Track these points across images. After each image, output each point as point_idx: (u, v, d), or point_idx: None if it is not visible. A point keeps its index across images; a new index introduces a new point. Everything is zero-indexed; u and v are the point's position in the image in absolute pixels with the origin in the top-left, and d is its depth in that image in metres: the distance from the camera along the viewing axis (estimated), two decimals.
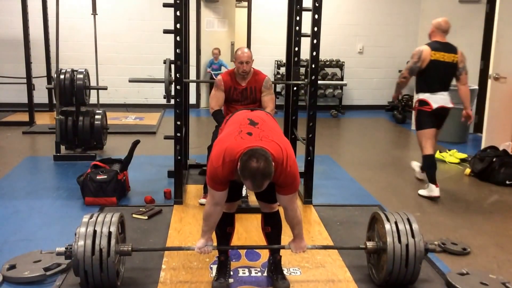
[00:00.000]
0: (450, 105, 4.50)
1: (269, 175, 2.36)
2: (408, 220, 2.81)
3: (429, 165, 4.53)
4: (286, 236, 2.93)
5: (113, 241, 2.61)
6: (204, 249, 2.70)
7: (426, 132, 4.51)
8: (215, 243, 2.83)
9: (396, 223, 2.77)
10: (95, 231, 2.62)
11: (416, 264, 2.74)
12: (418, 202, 4.46)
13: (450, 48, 4.63)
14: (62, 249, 2.66)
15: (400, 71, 8.87)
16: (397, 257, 2.70)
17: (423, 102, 4.49)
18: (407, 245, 2.71)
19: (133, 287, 2.84)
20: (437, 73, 4.50)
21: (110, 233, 2.62)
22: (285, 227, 2.86)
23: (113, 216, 2.74)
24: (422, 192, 4.59)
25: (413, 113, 5.07)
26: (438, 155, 5.86)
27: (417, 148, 6.81)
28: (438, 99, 4.44)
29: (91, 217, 2.72)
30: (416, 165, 5.14)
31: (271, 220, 2.85)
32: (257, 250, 3.26)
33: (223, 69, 8.41)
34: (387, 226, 2.76)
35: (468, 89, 4.59)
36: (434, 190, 4.46)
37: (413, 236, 2.73)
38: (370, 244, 2.89)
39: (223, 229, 2.84)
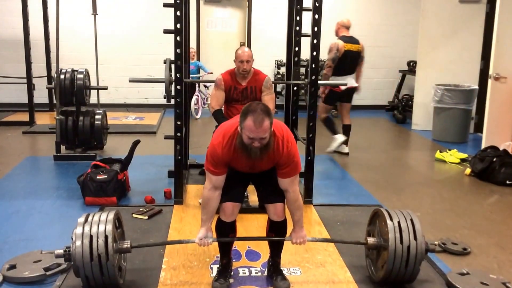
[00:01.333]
0: (355, 84, 5.92)
1: (268, 114, 2.44)
2: (412, 220, 2.79)
3: (329, 121, 6.07)
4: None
5: (110, 244, 2.58)
6: (204, 240, 2.69)
7: (329, 107, 6.17)
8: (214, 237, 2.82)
9: (399, 223, 2.76)
10: (91, 236, 2.58)
11: (416, 265, 2.74)
12: (419, 203, 4.46)
13: (355, 41, 5.91)
14: (61, 251, 2.65)
15: (400, 71, 8.93)
16: (397, 257, 2.69)
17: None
18: (408, 247, 2.70)
19: None
20: (347, 60, 5.76)
21: (106, 236, 2.58)
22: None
23: (108, 215, 2.70)
24: (331, 148, 5.92)
25: (323, 89, 6.06)
26: (438, 155, 5.87)
27: (417, 148, 6.84)
28: (348, 81, 5.55)
29: (86, 219, 2.67)
30: (338, 137, 6.05)
31: (277, 228, 2.83)
32: (257, 250, 3.26)
33: (202, 72, 8.33)
34: (390, 224, 2.74)
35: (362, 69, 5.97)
36: (338, 138, 5.95)
37: (415, 238, 2.72)
38: (371, 240, 2.87)
39: (225, 236, 2.83)
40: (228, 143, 2.58)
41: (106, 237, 2.59)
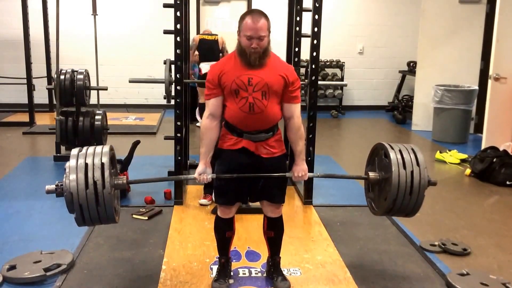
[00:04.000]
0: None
1: (266, 16, 2.53)
2: (413, 149, 2.73)
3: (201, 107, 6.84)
4: (286, 236, 2.93)
5: (106, 173, 2.40)
6: (203, 176, 2.64)
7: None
8: (214, 240, 2.82)
9: (400, 151, 2.69)
10: (86, 164, 2.41)
11: (420, 192, 2.66)
12: None
13: (210, 34, 7.24)
14: (52, 186, 2.49)
15: (400, 71, 8.93)
16: (402, 184, 2.62)
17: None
18: (412, 172, 2.63)
19: None
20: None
21: (102, 164, 2.41)
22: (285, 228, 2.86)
23: (103, 147, 2.55)
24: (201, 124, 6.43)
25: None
26: (438, 155, 5.87)
27: (418, 148, 6.82)
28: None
29: (80, 150, 2.52)
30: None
31: (275, 225, 2.83)
32: (257, 250, 3.26)
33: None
34: (392, 153, 2.68)
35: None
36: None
37: (418, 164, 2.66)
38: (372, 174, 2.81)
39: (222, 234, 2.83)
40: (225, 61, 2.65)
41: (102, 164, 2.43)
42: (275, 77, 2.57)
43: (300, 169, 2.74)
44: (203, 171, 2.65)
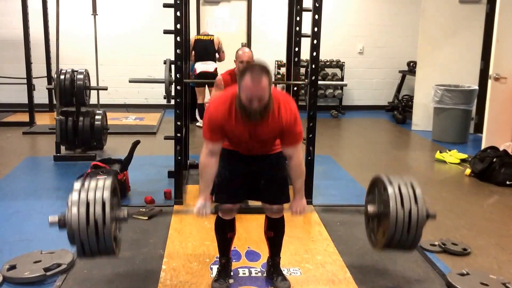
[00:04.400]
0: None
1: (267, 72, 2.42)
2: (412, 185, 2.70)
3: (200, 107, 7.26)
4: (286, 235, 2.93)
5: (107, 209, 2.44)
6: (202, 210, 2.64)
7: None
8: (213, 240, 2.82)
9: (399, 188, 2.67)
10: (88, 201, 2.45)
11: (418, 230, 2.66)
12: None
13: (207, 34, 7.36)
14: (56, 218, 2.51)
15: (400, 71, 8.93)
16: (399, 223, 2.62)
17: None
18: (410, 211, 2.62)
19: None
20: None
21: (104, 202, 2.45)
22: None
23: (105, 181, 2.57)
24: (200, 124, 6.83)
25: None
26: (438, 155, 5.87)
27: (417, 148, 6.84)
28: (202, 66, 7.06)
29: (82, 184, 2.55)
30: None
31: (275, 226, 2.83)
32: (257, 250, 3.26)
33: None
34: (390, 189, 2.66)
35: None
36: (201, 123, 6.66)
37: (416, 202, 2.65)
38: (371, 208, 2.80)
39: (224, 235, 2.83)
40: (226, 106, 2.53)
41: (103, 203, 2.46)
42: (275, 130, 2.58)
43: (299, 205, 2.74)
44: (202, 206, 2.65)
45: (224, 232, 2.82)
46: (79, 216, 2.43)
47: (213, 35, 7.31)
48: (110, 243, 2.48)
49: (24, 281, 2.86)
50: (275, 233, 2.84)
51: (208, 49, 7.19)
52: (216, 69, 7.13)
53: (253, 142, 2.63)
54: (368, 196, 2.94)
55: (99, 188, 2.52)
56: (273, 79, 2.51)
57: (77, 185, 2.55)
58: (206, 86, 7.31)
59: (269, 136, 2.62)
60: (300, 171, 2.69)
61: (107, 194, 2.48)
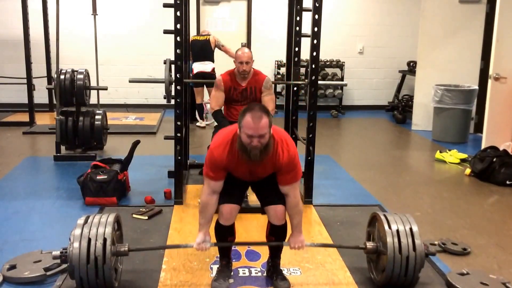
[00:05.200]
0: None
1: (267, 112, 2.47)
2: (411, 229, 2.76)
3: (199, 107, 7.43)
4: (287, 236, 2.93)
5: (108, 247, 2.56)
6: (202, 245, 2.69)
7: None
8: (213, 240, 2.82)
9: (397, 231, 2.73)
10: (89, 238, 2.56)
11: (415, 273, 2.74)
12: (419, 203, 4.46)
13: (202, 34, 7.40)
14: (58, 252, 2.63)
15: (400, 71, 8.93)
16: (396, 267, 2.70)
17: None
18: (407, 257, 2.70)
19: None
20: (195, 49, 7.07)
21: (105, 239, 2.57)
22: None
23: (108, 217, 2.69)
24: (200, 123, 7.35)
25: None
26: (438, 155, 5.87)
27: (417, 148, 6.84)
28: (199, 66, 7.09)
29: (86, 221, 2.66)
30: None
31: (277, 232, 2.83)
32: (257, 250, 3.26)
33: None
34: (388, 232, 2.73)
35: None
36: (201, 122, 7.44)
37: (414, 249, 2.71)
38: (370, 245, 2.87)
39: (224, 239, 2.84)
40: (227, 148, 2.58)
41: (104, 240, 2.56)
42: (273, 169, 2.64)
43: (297, 241, 2.77)
44: (202, 240, 2.70)
45: (224, 237, 2.83)
46: (80, 254, 2.54)
47: (209, 35, 7.24)
48: (108, 276, 2.58)
49: (24, 281, 2.86)
50: (276, 239, 2.84)
51: (205, 49, 7.12)
52: (213, 69, 7.10)
53: (253, 177, 2.72)
54: (368, 227, 3.02)
55: (102, 223, 2.63)
56: (272, 120, 2.53)
57: (80, 221, 2.67)
58: (205, 86, 7.31)
59: (268, 174, 2.69)
60: (298, 210, 2.72)
61: (108, 233, 2.59)
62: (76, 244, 2.55)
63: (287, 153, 2.59)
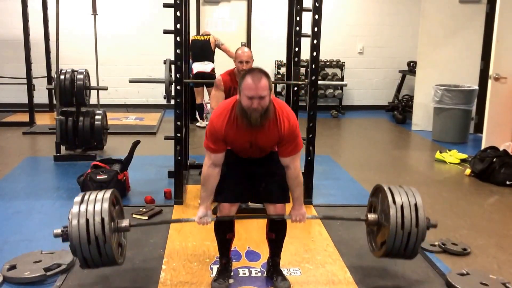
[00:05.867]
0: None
1: (267, 75, 2.50)
2: (416, 205, 2.71)
3: (199, 107, 7.40)
4: (286, 236, 2.93)
5: (107, 225, 2.50)
6: (203, 219, 2.69)
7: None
8: (213, 240, 2.82)
9: (402, 207, 2.68)
10: (87, 218, 2.50)
11: (415, 248, 2.71)
12: None
13: (203, 34, 7.40)
14: (59, 230, 2.58)
15: (400, 71, 8.93)
16: (397, 242, 2.66)
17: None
18: (409, 233, 2.65)
19: None
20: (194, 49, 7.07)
21: (103, 218, 2.51)
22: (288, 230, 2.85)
23: (104, 194, 2.63)
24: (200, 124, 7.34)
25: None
26: (438, 155, 5.87)
27: (417, 148, 6.84)
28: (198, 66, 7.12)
29: (82, 198, 2.60)
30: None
31: (277, 227, 2.83)
32: (257, 250, 3.26)
33: None
34: (392, 208, 2.67)
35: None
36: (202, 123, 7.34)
37: (417, 226, 2.67)
38: (371, 217, 2.83)
39: (223, 235, 2.84)
40: (227, 116, 2.59)
41: (102, 219, 2.51)
42: (275, 138, 2.62)
43: (298, 214, 2.76)
44: (203, 215, 2.70)
45: (223, 233, 2.83)
46: (80, 230, 2.49)
47: (209, 35, 7.26)
48: (111, 255, 2.55)
49: (24, 281, 2.86)
50: (276, 235, 2.84)
51: (205, 49, 7.13)
52: (213, 69, 7.12)
53: (253, 150, 2.68)
54: (371, 197, 2.96)
55: (98, 200, 2.58)
56: (272, 84, 2.54)
57: (77, 198, 2.62)
58: (205, 86, 7.31)
59: (268, 145, 2.67)
60: (298, 181, 2.72)
61: (105, 214, 2.54)
62: (75, 223, 2.50)
63: (287, 122, 2.59)
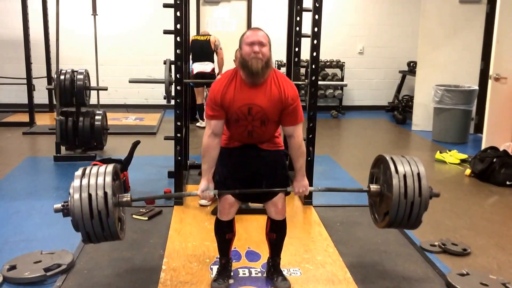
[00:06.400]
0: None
1: (266, 33, 2.58)
2: (418, 175, 2.67)
3: (199, 108, 7.36)
4: (286, 236, 2.93)
5: (110, 199, 2.45)
6: (205, 193, 2.67)
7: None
8: (213, 240, 2.82)
9: (404, 176, 2.65)
10: (89, 193, 2.45)
11: (418, 217, 2.68)
12: None
13: (203, 34, 7.31)
14: (59, 205, 2.54)
15: (400, 71, 8.93)
16: (400, 212, 2.63)
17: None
18: (412, 203, 2.63)
19: None
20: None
21: (106, 193, 2.45)
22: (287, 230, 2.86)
23: (106, 168, 2.57)
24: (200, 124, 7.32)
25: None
26: (438, 155, 5.87)
27: (417, 148, 6.84)
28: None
29: (83, 172, 2.54)
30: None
31: (277, 227, 2.82)
32: (257, 251, 3.26)
33: None
34: (395, 177, 2.64)
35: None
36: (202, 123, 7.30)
37: (420, 195, 2.64)
38: (373, 187, 2.81)
39: (223, 235, 2.84)
40: (227, 78, 2.63)
41: (105, 193, 2.46)
42: (275, 102, 2.59)
43: (301, 185, 2.75)
44: (205, 188, 2.68)
45: (223, 233, 2.83)
46: (82, 205, 2.44)
47: (209, 35, 7.27)
48: (114, 229, 2.50)
49: (24, 281, 2.86)
50: (277, 235, 2.84)
51: (205, 50, 7.16)
52: (213, 69, 7.14)
53: (253, 120, 2.61)
54: (373, 168, 2.93)
55: (100, 174, 2.52)
56: (271, 44, 2.61)
57: (78, 172, 2.55)
58: (205, 86, 7.31)
59: (269, 109, 2.60)
60: (301, 151, 2.71)
61: (108, 188, 2.47)
62: (76, 197, 2.45)
63: (289, 86, 2.63)
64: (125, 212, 2.85)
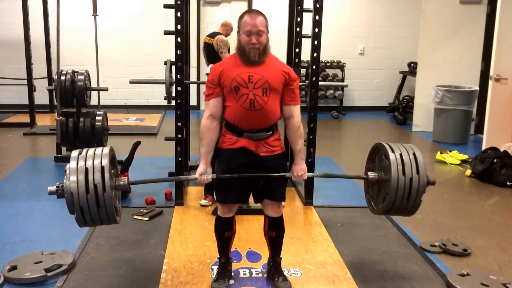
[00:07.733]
0: None
1: (264, 15, 2.61)
2: (414, 154, 2.72)
3: None
4: (286, 236, 2.93)
5: (107, 175, 2.40)
6: (203, 176, 2.66)
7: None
8: (213, 241, 2.82)
9: (401, 155, 2.69)
10: (86, 168, 2.41)
11: (417, 198, 2.69)
12: None
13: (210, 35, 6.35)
14: (54, 188, 2.50)
15: (400, 72, 8.93)
16: (400, 190, 2.65)
17: None
18: (411, 179, 2.65)
19: None
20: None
21: (103, 167, 2.41)
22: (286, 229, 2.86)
23: (103, 149, 2.53)
24: None
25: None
26: (439, 156, 5.87)
27: (418, 148, 6.82)
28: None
29: (80, 152, 2.52)
30: None
31: (276, 225, 2.83)
32: (258, 251, 3.26)
33: None
34: (392, 156, 2.68)
35: None
36: None
37: (418, 172, 2.66)
38: (371, 175, 2.84)
39: (222, 233, 2.84)
40: (226, 59, 2.74)
41: (102, 168, 2.42)
42: (276, 73, 2.63)
43: (300, 169, 2.75)
44: (203, 171, 2.67)
45: (223, 231, 2.83)
46: (78, 183, 2.40)
47: (213, 39, 7.25)
48: (111, 210, 2.44)
49: (25, 281, 2.86)
50: (276, 233, 2.84)
51: (212, 52, 7.15)
52: None
53: (254, 88, 2.58)
54: (368, 162, 2.97)
55: (97, 155, 2.48)
56: (269, 26, 2.65)
57: (74, 153, 2.52)
58: None
59: (270, 79, 2.60)
60: (300, 132, 2.73)
61: (105, 162, 2.45)
62: (73, 175, 2.41)
63: (289, 68, 2.71)
64: (121, 202, 2.81)
